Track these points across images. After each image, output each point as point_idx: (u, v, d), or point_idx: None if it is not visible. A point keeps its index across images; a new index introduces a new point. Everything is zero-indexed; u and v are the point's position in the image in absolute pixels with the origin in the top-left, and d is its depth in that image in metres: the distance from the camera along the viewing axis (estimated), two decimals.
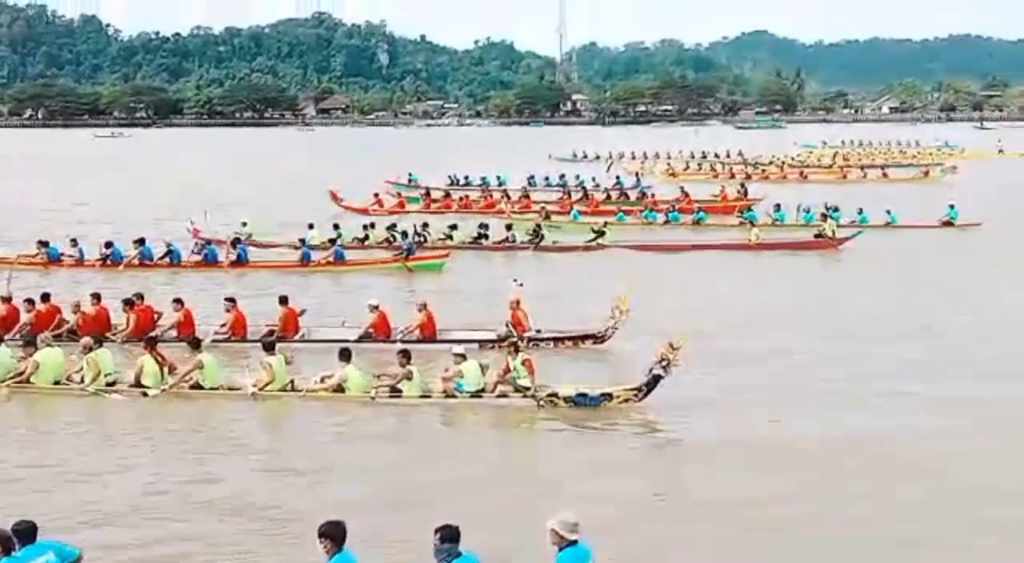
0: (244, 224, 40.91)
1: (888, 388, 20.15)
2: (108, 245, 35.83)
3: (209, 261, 35.38)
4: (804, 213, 45.98)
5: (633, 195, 58.50)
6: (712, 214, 49.26)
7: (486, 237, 40.40)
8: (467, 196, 55.87)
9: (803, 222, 44.88)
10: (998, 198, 58.26)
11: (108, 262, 34.99)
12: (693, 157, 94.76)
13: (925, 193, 60.93)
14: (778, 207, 47.97)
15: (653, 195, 57.13)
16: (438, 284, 32.18)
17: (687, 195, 54.76)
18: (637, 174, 73.19)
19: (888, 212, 45.68)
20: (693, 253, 39.16)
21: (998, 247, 40.11)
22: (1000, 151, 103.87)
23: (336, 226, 40.27)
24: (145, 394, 19.26)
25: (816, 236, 40.94)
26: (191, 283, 32.33)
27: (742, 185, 61.45)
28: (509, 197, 55.19)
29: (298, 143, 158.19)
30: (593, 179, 67.00)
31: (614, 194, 59.01)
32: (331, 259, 35.47)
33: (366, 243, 39.29)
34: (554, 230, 42.66)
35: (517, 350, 19.39)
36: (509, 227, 41.25)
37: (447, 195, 57.19)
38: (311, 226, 39.89)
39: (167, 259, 35.51)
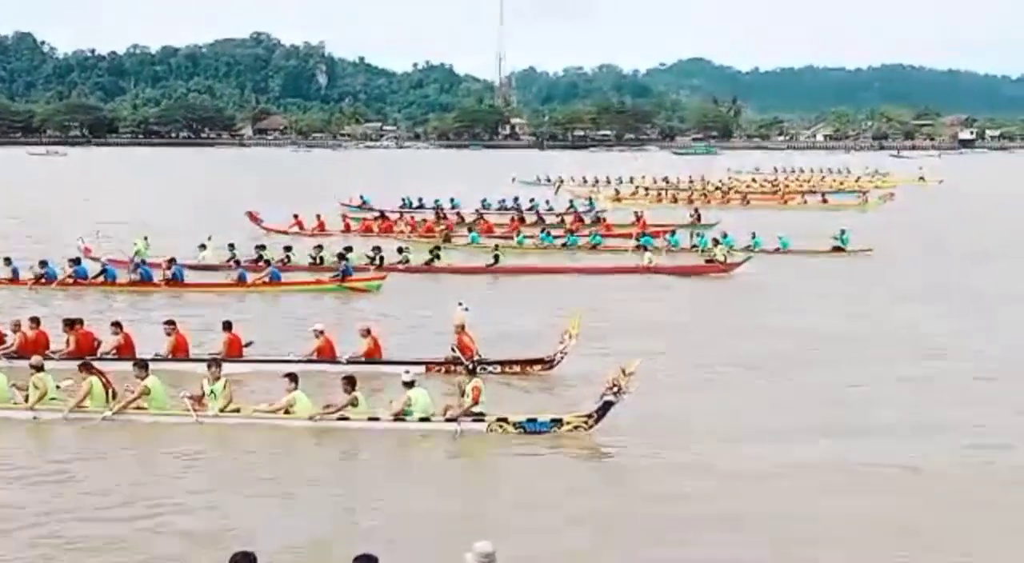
0: (136, 244, 40.52)
1: (807, 408, 20.56)
2: (43, 264, 35.33)
3: (145, 281, 34.83)
4: (698, 238, 46.44)
5: (588, 219, 58.37)
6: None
7: (381, 259, 39.65)
8: (387, 219, 55.67)
9: (699, 247, 45.12)
10: (910, 223, 59.80)
11: (43, 281, 34.43)
12: (656, 181, 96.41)
13: (857, 219, 61.70)
14: (673, 232, 48.52)
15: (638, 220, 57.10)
16: (374, 306, 31.95)
17: (641, 219, 55.17)
18: (590, 198, 73.28)
19: (780, 238, 46.23)
20: (586, 277, 39.25)
21: (884, 272, 40.55)
22: (921, 178, 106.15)
23: (231, 246, 40.07)
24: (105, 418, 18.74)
25: (707, 261, 41.28)
26: (126, 303, 32.12)
27: (695, 210, 61.67)
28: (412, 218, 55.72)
29: (287, 163, 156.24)
30: (547, 202, 67.37)
31: (568, 218, 58.79)
32: (267, 280, 35.18)
33: (259, 263, 38.13)
34: (452, 252, 43.09)
35: (473, 374, 19.19)
36: (401, 250, 41.01)
37: (401, 216, 56.92)
38: (202, 246, 39.81)
39: (101, 278, 35.01)
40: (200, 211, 64.06)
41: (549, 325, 26.46)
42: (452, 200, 66.12)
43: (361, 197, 68.42)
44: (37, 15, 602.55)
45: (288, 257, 39.24)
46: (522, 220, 56.90)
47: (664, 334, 27.40)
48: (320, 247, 40.63)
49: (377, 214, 58.89)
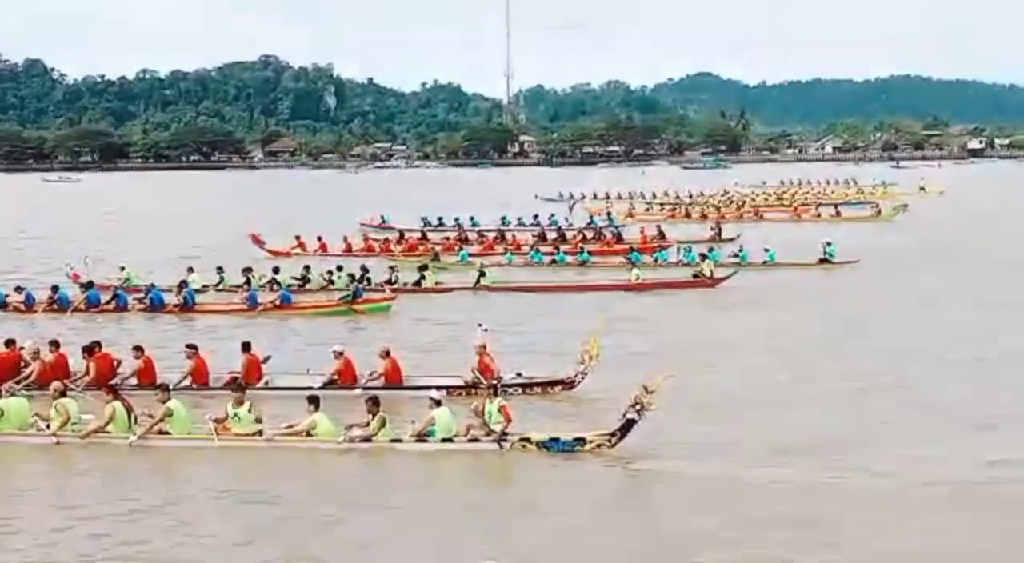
0: (122, 268, 40.63)
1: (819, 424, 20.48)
2: (55, 289, 35.61)
3: (156, 306, 34.92)
4: (686, 253, 46.64)
5: (608, 234, 58.15)
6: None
7: (368, 280, 39.04)
8: (387, 239, 55.54)
9: (685, 262, 45.36)
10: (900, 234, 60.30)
11: (55, 307, 34.62)
12: (677, 196, 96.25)
13: (871, 230, 62.37)
14: (663, 247, 49.07)
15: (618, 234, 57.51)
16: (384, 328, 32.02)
17: (663, 235, 55.33)
18: (609, 214, 73.26)
19: (766, 250, 46.43)
20: (575, 294, 39.32)
21: (868, 284, 40.81)
22: (922, 189, 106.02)
23: (220, 269, 40.23)
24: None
25: (694, 276, 41.30)
26: (138, 328, 32.25)
27: (717, 224, 61.71)
28: (397, 237, 55.84)
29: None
30: (566, 219, 67.45)
31: (589, 234, 58.67)
32: (278, 303, 35.11)
33: (245, 286, 38.41)
34: (441, 271, 43.05)
35: (496, 394, 19.16)
36: (393, 268, 41.05)
37: (424, 236, 57.22)
38: (190, 269, 39.65)
39: (113, 304, 35.15)
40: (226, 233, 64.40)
41: (534, 342, 27.32)
42: (472, 218, 66.01)
43: (382, 216, 68.68)
44: (47, 42, 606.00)
45: (275, 279, 38.87)
46: (543, 237, 56.62)
47: (659, 349, 27.26)
48: (307, 268, 40.71)
49: (398, 233, 58.71)
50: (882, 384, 23.43)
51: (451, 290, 39.79)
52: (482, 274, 40.71)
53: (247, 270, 39.98)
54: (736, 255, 45.76)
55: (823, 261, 45.74)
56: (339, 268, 40.20)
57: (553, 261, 47.76)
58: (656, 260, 46.77)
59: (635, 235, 56.42)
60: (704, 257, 43.01)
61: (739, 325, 32.08)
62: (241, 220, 67.83)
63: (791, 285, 40.31)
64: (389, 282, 39.03)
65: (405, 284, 39.49)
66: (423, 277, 40.23)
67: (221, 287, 38.94)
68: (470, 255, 48.78)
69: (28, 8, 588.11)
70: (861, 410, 21.28)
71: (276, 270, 39.91)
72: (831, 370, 25.03)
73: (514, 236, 56.54)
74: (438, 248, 51.21)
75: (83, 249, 47.16)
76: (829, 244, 46.51)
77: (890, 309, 34.69)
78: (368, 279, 39.10)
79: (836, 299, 37.16)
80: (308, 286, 39.12)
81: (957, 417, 20.80)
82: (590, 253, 49.48)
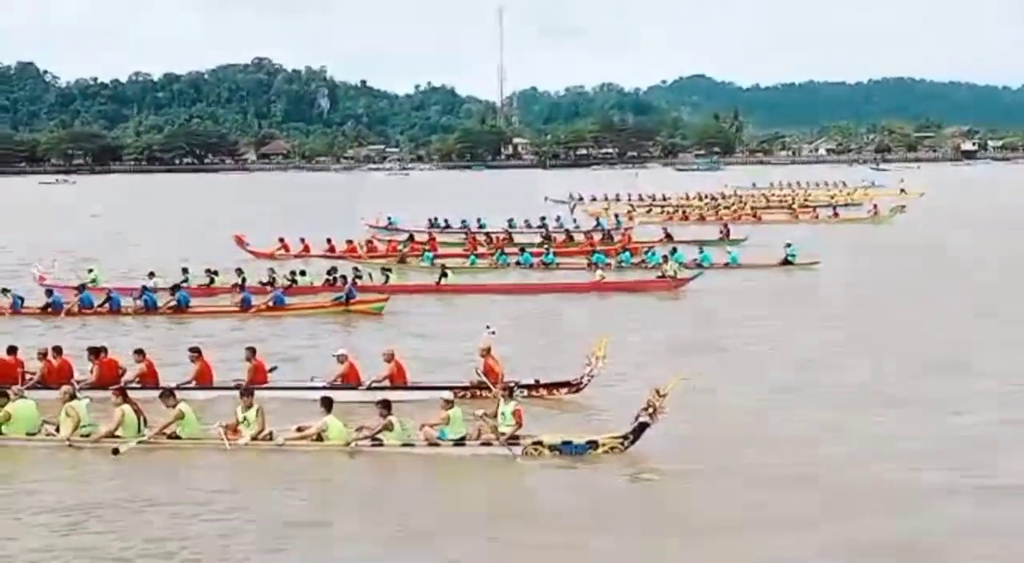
0: (90, 271, 40.54)
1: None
2: (49, 293, 35.55)
3: (149, 307, 34.81)
4: (650, 255, 46.88)
5: (617, 237, 57.96)
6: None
7: (335, 280, 38.89)
8: (372, 242, 55.10)
9: (649, 263, 45.47)
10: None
11: (49, 310, 34.45)
12: (692, 198, 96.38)
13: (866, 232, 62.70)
14: (624, 249, 49.29)
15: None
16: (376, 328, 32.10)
17: (670, 237, 55.78)
18: (616, 216, 73.24)
19: (728, 252, 46.93)
20: (537, 295, 39.33)
21: (824, 285, 41.31)
22: (902, 191, 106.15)
23: (185, 269, 40.11)
24: (116, 451, 18.35)
25: (658, 277, 41.41)
26: (132, 330, 32.20)
27: (724, 225, 61.90)
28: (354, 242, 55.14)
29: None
30: (574, 221, 67.56)
31: (596, 236, 58.57)
32: (271, 304, 35.06)
33: (212, 286, 38.74)
34: (404, 272, 43.32)
35: (511, 395, 18.98)
36: (356, 269, 41.07)
37: (430, 237, 57.05)
38: (151, 274, 39.43)
39: (107, 306, 34.96)
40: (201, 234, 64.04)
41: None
42: (479, 220, 65.91)
43: (388, 218, 68.49)
44: (39, 45, 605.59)
45: (243, 280, 38.37)
46: (549, 238, 56.51)
47: (628, 351, 26.68)
48: (272, 270, 40.38)
49: (406, 235, 58.51)
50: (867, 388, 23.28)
51: (416, 291, 39.80)
52: (444, 274, 40.80)
53: (212, 272, 40.03)
54: (698, 257, 45.74)
55: (785, 263, 45.92)
56: (303, 273, 40.31)
57: (518, 263, 47.74)
58: (620, 262, 46.77)
59: (644, 237, 56.52)
60: (667, 258, 43.12)
61: (703, 326, 31.96)
62: (228, 222, 67.75)
63: (752, 286, 40.73)
64: (354, 282, 38.78)
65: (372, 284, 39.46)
66: (387, 279, 40.17)
67: (185, 288, 38.44)
68: (435, 257, 48.59)
69: (21, 11, 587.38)
70: (851, 412, 21.11)
71: (240, 272, 39.57)
72: (811, 374, 24.84)
73: (498, 237, 56.42)
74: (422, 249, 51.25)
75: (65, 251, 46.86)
76: (790, 246, 46.75)
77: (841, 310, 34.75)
78: (335, 279, 38.91)
79: (799, 300, 37.47)
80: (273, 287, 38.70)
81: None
82: (555, 254, 49.35)
